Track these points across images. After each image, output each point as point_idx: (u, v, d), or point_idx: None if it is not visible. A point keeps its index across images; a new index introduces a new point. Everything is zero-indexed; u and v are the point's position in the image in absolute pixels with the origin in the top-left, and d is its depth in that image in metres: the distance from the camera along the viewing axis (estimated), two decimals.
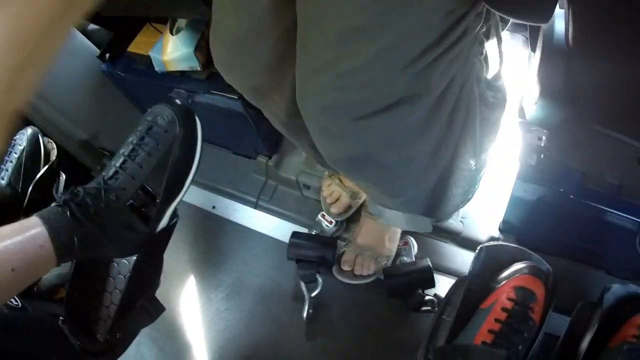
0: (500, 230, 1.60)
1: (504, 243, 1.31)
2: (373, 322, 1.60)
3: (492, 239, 1.58)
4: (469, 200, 1.30)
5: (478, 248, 1.30)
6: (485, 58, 1.07)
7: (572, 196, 1.23)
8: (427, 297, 1.47)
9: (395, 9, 0.77)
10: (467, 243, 1.42)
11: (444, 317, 1.30)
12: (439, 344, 1.27)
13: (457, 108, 1.00)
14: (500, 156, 1.70)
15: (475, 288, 1.29)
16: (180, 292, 1.73)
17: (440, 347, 1.23)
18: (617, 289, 1.32)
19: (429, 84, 0.88)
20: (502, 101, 1.13)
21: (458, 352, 1.18)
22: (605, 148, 1.22)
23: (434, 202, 1.22)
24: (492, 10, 0.86)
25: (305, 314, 1.58)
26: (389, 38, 0.79)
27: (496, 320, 1.17)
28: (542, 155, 1.23)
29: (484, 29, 0.98)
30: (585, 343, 1.27)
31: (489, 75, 1.08)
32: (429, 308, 1.47)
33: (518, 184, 1.29)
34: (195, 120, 1.28)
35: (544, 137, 1.22)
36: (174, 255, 1.76)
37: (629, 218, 1.22)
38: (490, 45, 1.07)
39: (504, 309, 1.18)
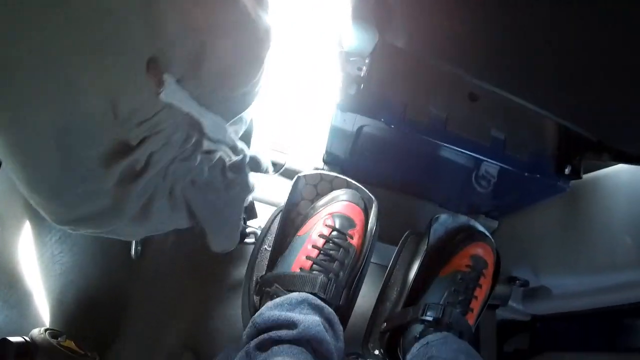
0: (325, 161, 1.57)
1: (323, 172, 1.27)
2: (199, 256, 1.55)
3: (316, 170, 1.53)
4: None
5: (296, 177, 1.26)
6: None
7: (392, 126, 1.18)
8: (249, 229, 1.41)
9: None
10: (291, 174, 1.36)
11: (265, 247, 1.26)
12: (260, 274, 1.22)
13: (176, 207, 0.96)
14: (322, 86, 1.66)
15: (292, 216, 1.26)
16: (18, 239, 1.60)
17: (261, 276, 1.19)
18: (446, 219, 1.34)
19: (123, 203, 0.83)
20: (243, 185, 1.09)
21: (275, 279, 1.14)
22: (430, 79, 1.21)
23: None
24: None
25: (133, 252, 1.49)
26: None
27: (313, 246, 1.15)
28: (361, 86, 1.18)
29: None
30: (413, 272, 1.28)
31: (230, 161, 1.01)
32: (252, 240, 1.42)
33: (337, 114, 1.25)
34: None
35: (364, 67, 1.18)
36: (9, 200, 1.63)
37: (458, 151, 1.19)
38: None
39: (321, 236, 1.16)
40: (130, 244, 1.51)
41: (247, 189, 1.09)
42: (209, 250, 1.28)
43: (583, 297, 1.37)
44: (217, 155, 0.93)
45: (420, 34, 0.99)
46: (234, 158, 0.99)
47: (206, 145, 0.88)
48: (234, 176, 1.01)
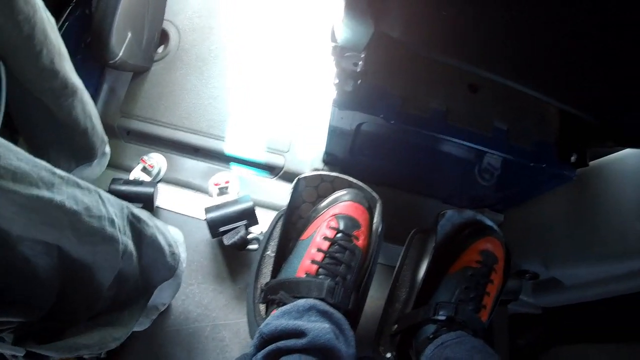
0: (324, 162, 1.51)
1: (323, 172, 1.20)
2: (201, 264, 1.47)
3: (316, 170, 1.46)
4: None
5: (295, 179, 1.18)
6: None
7: (392, 122, 1.11)
8: (251, 235, 1.35)
9: None
10: (290, 177, 1.29)
11: (267, 253, 1.19)
12: (265, 281, 1.15)
13: None
14: (318, 84, 1.61)
15: (294, 220, 1.20)
16: None
17: (265, 284, 1.12)
18: (452, 215, 1.28)
19: None
20: None
21: (280, 286, 1.06)
22: (427, 72, 1.15)
23: None
24: None
25: None
26: None
27: (318, 250, 1.08)
28: (358, 81, 1.12)
29: None
30: (422, 270, 1.22)
31: None
32: (255, 247, 1.36)
33: (335, 112, 1.19)
34: None
35: (360, 62, 1.10)
36: None
37: (461, 144, 1.14)
38: None
39: (325, 238, 1.08)
40: None
41: None
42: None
43: (595, 286, 1.31)
44: None
45: (417, 23, 0.93)
46: None
47: None
48: None
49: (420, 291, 1.21)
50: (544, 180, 1.22)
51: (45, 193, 0.73)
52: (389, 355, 1.23)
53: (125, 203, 0.95)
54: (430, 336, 1.12)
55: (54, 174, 0.76)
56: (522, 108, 1.16)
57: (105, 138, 1.26)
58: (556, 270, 1.35)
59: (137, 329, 1.17)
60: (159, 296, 1.14)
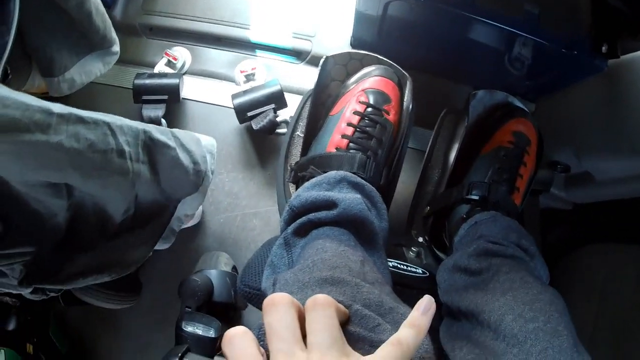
0: (352, 46, 1.47)
1: (352, 51, 1.16)
2: (229, 153, 1.47)
3: None
4: None
5: (324, 57, 1.15)
6: None
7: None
8: (280, 118, 1.34)
9: None
10: (318, 62, 1.25)
11: (297, 133, 1.18)
12: (294, 161, 1.15)
13: None
14: None
15: (323, 99, 1.17)
16: None
17: (296, 162, 1.11)
18: (484, 96, 1.24)
19: None
20: None
21: (310, 162, 1.05)
22: None
23: None
24: None
25: None
26: None
27: (348, 124, 1.05)
28: None
29: None
30: (454, 151, 1.21)
31: None
32: (284, 130, 1.35)
33: None
34: None
35: None
36: None
37: (491, 25, 1.08)
38: None
39: (355, 113, 1.05)
40: None
41: None
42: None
43: (627, 183, 1.28)
44: None
45: None
46: None
47: None
48: None
49: (453, 172, 1.20)
50: (575, 70, 1.18)
51: (39, 137, 0.73)
52: (421, 239, 1.23)
53: (143, 127, 0.95)
54: (464, 216, 1.11)
55: (51, 114, 0.75)
56: None
57: (111, 35, 1.23)
58: (587, 162, 1.33)
59: (160, 247, 1.17)
60: (182, 208, 1.13)
